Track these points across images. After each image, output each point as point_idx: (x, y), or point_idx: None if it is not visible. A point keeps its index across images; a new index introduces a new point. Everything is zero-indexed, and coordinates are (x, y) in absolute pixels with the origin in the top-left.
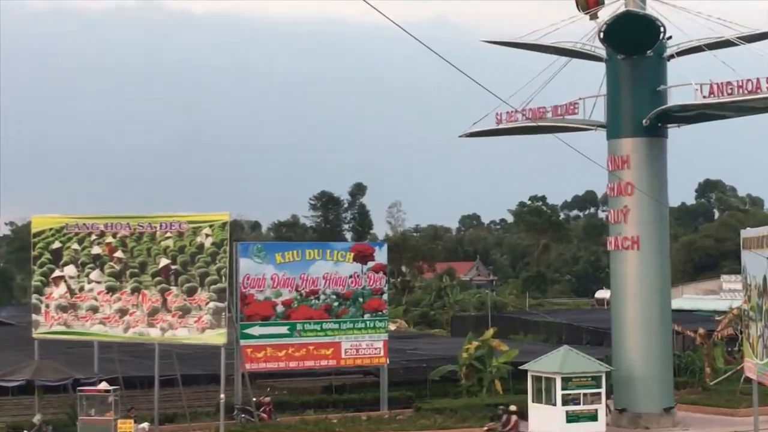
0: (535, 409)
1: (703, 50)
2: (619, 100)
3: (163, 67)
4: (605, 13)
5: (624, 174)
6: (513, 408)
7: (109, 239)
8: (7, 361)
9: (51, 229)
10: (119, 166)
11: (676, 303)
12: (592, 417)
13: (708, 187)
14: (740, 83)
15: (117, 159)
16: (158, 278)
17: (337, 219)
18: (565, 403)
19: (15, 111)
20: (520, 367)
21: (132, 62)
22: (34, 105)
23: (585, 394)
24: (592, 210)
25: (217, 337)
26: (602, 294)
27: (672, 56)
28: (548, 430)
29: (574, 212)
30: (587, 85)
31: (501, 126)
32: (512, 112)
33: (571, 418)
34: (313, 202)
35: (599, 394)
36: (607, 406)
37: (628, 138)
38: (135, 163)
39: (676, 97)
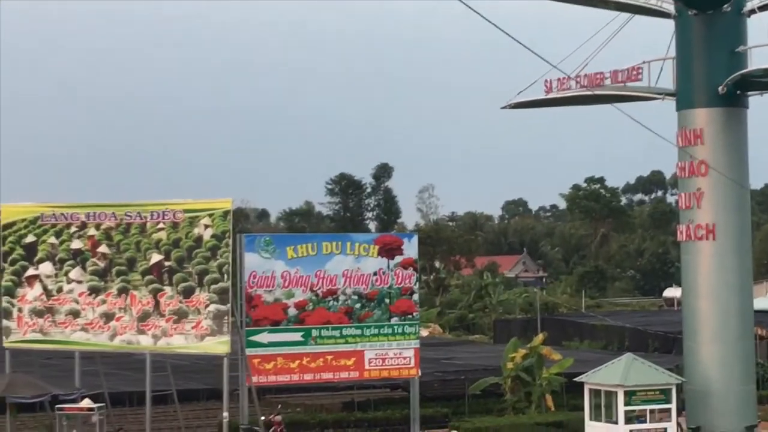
0: (593, 429)
1: None
2: (690, 64)
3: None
4: None
5: (697, 151)
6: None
7: (92, 231)
8: None
9: (23, 220)
10: (103, 147)
11: (759, 303)
12: None
13: None
14: None
15: (101, 140)
16: (149, 277)
17: (358, 206)
18: (628, 421)
19: None
20: (576, 379)
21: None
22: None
23: (652, 411)
24: (660, 194)
25: (218, 345)
26: (672, 292)
27: (753, 11)
28: None
29: (638, 196)
30: (653, 46)
31: (551, 95)
32: (564, 78)
33: None
34: (330, 187)
35: (669, 410)
36: (679, 424)
37: (702, 108)
38: (119, 145)
39: (757, 60)
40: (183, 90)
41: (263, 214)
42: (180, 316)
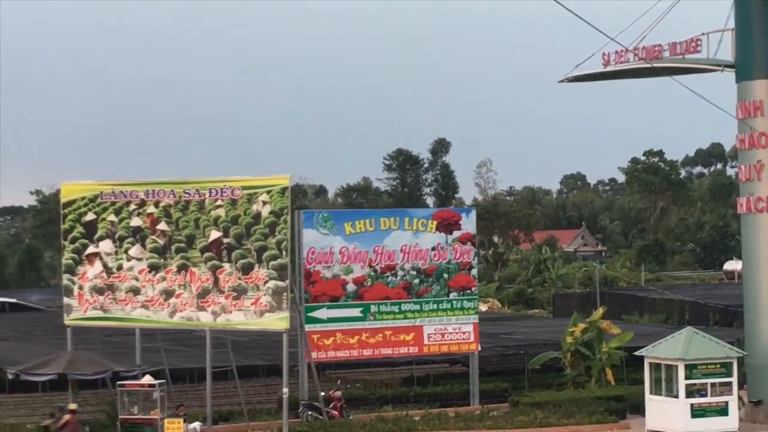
0: (653, 403)
1: None
2: (751, 35)
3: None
4: None
5: (757, 122)
6: (72, 407)
7: (151, 209)
8: (37, 352)
9: (83, 198)
10: (161, 124)
11: None
12: (722, 411)
13: None
14: None
15: (159, 117)
16: (208, 254)
17: (416, 181)
18: (689, 394)
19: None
20: (636, 353)
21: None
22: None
23: (713, 384)
24: (719, 166)
25: (278, 321)
26: (732, 265)
27: None
28: (669, 428)
29: (698, 169)
30: (712, 17)
31: (609, 68)
32: (622, 51)
33: (697, 412)
34: (387, 162)
35: (730, 383)
36: (740, 398)
37: (762, 80)
38: (178, 121)
39: None
40: (237, 69)
41: (321, 191)
42: (239, 292)
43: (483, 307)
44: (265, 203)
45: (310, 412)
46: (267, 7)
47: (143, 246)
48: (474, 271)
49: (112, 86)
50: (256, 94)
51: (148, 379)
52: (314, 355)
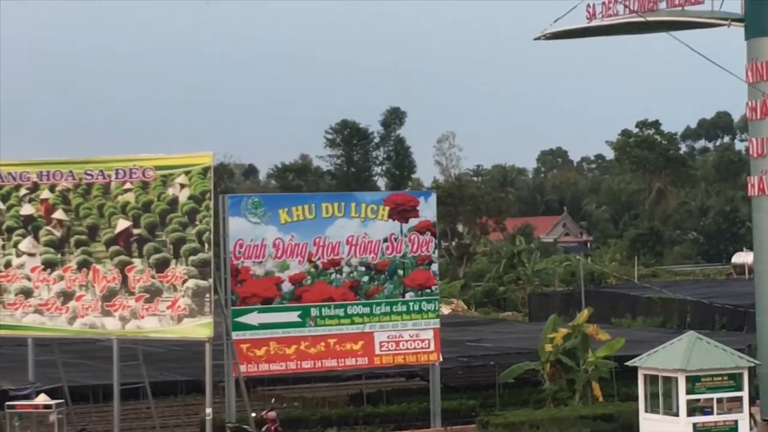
0: (648, 422)
1: None
2: None
3: None
4: None
5: None
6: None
7: (45, 194)
8: None
9: None
10: (64, 98)
11: None
12: (731, 431)
13: None
14: None
15: (62, 90)
16: (115, 247)
17: (365, 159)
18: (691, 412)
19: None
20: (628, 364)
21: None
22: None
23: (719, 400)
24: (726, 140)
25: (199, 328)
26: (742, 258)
27: None
28: None
29: (701, 143)
30: None
31: (594, 23)
32: (610, 2)
33: None
34: (330, 137)
35: (740, 399)
36: (752, 415)
37: None
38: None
39: None
40: (156, 31)
41: (251, 171)
42: (152, 294)
43: (445, 310)
44: (183, 186)
45: None
46: None
47: (36, 239)
48: (434, 267)
49: None
50: (175, 59)
51: (43, 399)
52: (243, 368)
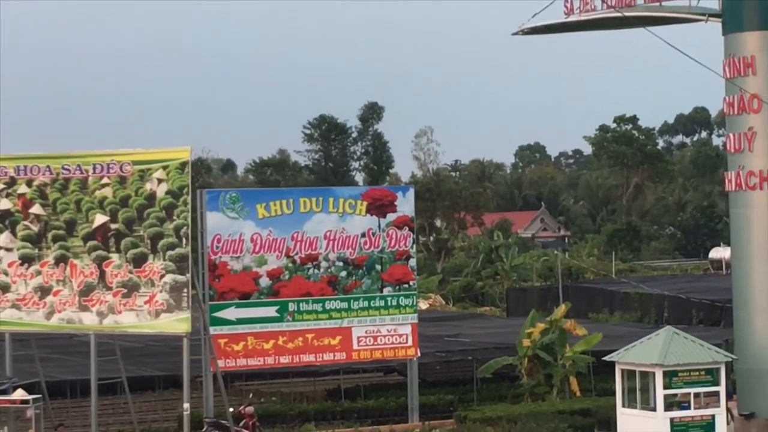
0: (626, 417)
1: None
2: None
3: None
4: None
5: (748, 83)
6: None
7: (23, 189)
8: None
9: None
10: (40, 94)
11: None
12: (708, 426)
13: None
14: None
15: (39, 84)
16: (93, 242)
17: (342, 154)
18: (668, 407)
19: None
20: (605, 359)
21: None
22: None
23: (697, 395)
24: (704, 135)
25: (177, 323)
26: (719, 253)
27: None
28: None
29: (678, 138)
30: None
31: (572, 18)
32: None
33: (678, 427)
34: (308, 131)
35: (717, 394)
36: (728, 410)
37: (754, 32)
38: (61, 88)
39: None
40: (135, 29)
41: (228, 166)
42: (130, 289)
43: (423, 305)
44: (160, 181)
45: None
46: None
47: (13, 233)
48: (412, 262)
49: None
50: (155, 56)
51: (20, 394)
52: (221, 363)
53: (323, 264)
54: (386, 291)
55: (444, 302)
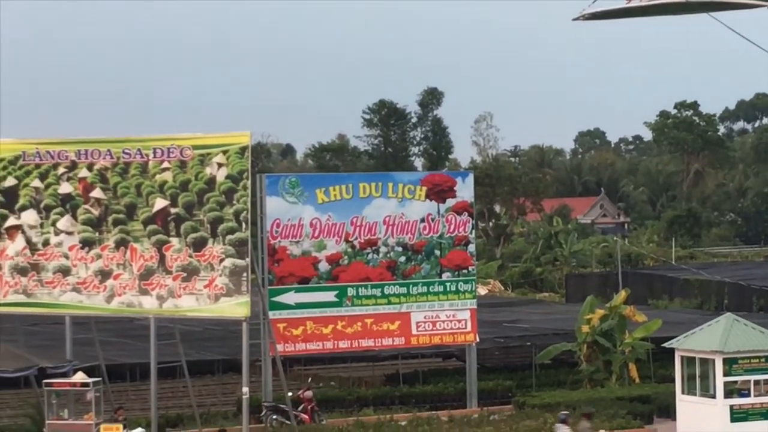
0: (685, 404)
1: None
2: None
3: None
4: None
5: None
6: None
7: (84, 173)
8: None
9: (1, 159)
10: (101, 78)
11: None
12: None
13: None
14: None
15: (99, 69)
16: (153, 226)
17: (402, 140)
18: (728, 394)
19: None
20: (665, 345)
21: None
22: None
23: (757, 382)
24: (765, 121)
25: (236, 307)
26: None
27: None
28: None
29: (740, 125)
30: None
31: (633, 3)
32: None
33: (738, 415)
34: (368, 117)
35: None
36: None
37: None
38: (120, 73)
39: None
40: (193, 20)
41: (288, 150)
42: (190, 273)
43: (482, 290)
44: (220, 166)
45: (275, 416)
46: None
47: (74, 217)
48: (471, 247)
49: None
50: (212, 47)
51: (80, 377)
52: (280, 347)
53: (382, 249)
54: (445, 276)
55: (503, 288)
